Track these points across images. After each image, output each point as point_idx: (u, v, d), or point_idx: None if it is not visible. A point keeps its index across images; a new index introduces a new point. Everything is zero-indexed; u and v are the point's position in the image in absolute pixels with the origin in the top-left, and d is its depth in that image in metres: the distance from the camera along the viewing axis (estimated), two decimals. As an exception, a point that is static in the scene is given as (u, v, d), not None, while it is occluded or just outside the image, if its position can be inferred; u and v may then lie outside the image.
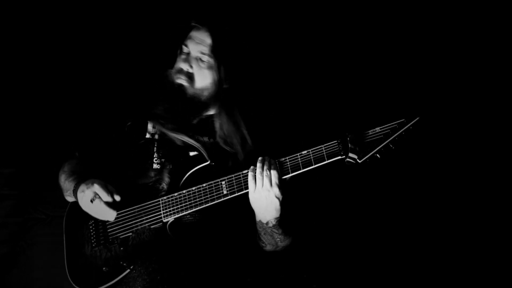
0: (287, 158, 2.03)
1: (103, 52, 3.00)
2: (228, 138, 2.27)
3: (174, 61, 2.33)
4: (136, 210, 2.19)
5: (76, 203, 2.23)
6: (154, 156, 2.27)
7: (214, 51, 2.22)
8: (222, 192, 2.06)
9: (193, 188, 2.12)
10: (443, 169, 2.86)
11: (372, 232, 2.86)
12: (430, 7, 2.90)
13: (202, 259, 2.14)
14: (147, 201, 2.19)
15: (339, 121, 2.78)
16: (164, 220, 2.14)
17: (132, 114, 2.39)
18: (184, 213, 2.11)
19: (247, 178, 2.03)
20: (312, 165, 1.97)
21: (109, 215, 2.12)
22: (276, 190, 1.96)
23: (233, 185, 2.06)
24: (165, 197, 2.15)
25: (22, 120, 2.95)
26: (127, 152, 2.34)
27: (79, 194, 2.16)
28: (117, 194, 2.14)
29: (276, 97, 2.83)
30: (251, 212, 2.23)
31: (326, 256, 2.80)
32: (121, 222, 2.20)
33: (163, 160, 2.25)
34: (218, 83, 2.26)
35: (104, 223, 2.24)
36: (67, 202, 2.41)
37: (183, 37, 2.28)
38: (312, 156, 1.98)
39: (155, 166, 2.26)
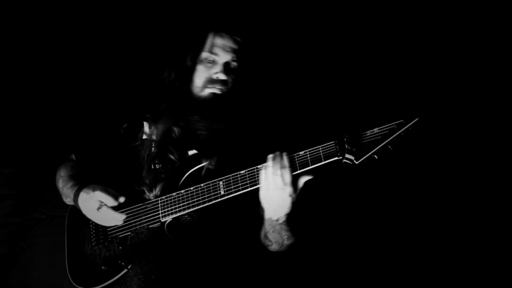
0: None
1: (104, 54, 3.01)
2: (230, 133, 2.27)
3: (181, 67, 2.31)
4: (135, 210, 2.20)
5: None
6: (151, 157, 2.27)
7: (239, 56, 2.24)
8: (220, 193, 2.06)
9: (191, 188, 2.12)
10: (442, 171, 2.85)
11: (369, 234, 2.86)
12: (428, 7, 2.90)
13: (200, 258, 2.14)
14: (146, 201, 2.19)
15: (337, 122, 2.77)
16: (162, 220, 2.14)
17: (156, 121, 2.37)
18: (182, 213, 2.11)
19: (245, 177, 2.03)
20: (309, 166, 1.96)
21: (117, 219, 2.14)
22: (289, 188, 1.95)
23: (230, 185, 2.05)
24: (163, 197, 2.16)
25: (22, 120, 2.96)
26: (124, 153, 2.34)
27: (82, 204, 2.17)
28: (120, 196, 2.15)
29: (274, 97, 2.83)
30: (250, 212, 2.24)
31: (323, 256, 2.81)
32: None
33: (156, 161, 2.25)
34: (237, 85, 2.27)
35: None
36: (67, 204, 2.41)
37: (199, 43, 2.25)
38: (309, 156, 1.97)
39: (152, 167, 2.25)
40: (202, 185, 2.10)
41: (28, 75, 2.98)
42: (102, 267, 2.19)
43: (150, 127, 2.34)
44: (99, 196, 2.10)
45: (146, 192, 2.19)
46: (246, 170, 2.05)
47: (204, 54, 2.23)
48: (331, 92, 2.95)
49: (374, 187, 2.85)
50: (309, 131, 2.70)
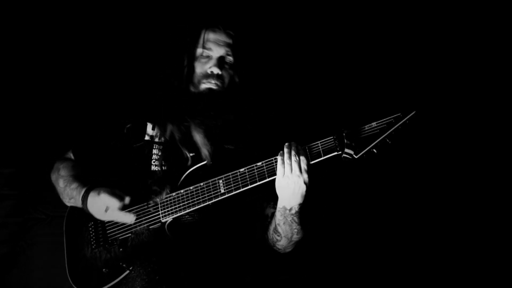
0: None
1: (104, 55, 3.00)
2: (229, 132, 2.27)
3: (179, 64, 2.31)
4: (136, 210, 2.19)
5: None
6: (153, 158, 2.27)
7: (234, 50, 2.24)
8: (220, 191, 2.06)
9: (191, 188, 2.12)
10: (440, 164, 2.86)
11: (369, 229, 2.87)
12: (425, 3, 2.89)
13: (201, 258, 2.14)
14: (146, 202, 2.19)
15: (335, 117, 2.78)
16: (163, 220, 2.15)
17: (153, 118, 2.38)
18: (182, 212, 2.12)
19: (245, 175, 2.04)
20: (310, 161, 1.97)
21: (127, 218, 2.12)
22: (305, 176, 1.96)
23: (230, 184, 2.05)
24: (163, 198, 2.16)
25: (22, 120, 2.95)
26: (126, 153, 2.34)
27: (91, 208, 2.16)
28: (126, 195, 2.14)
29: (273, 94, 2.83)
30: (250, 212, 2.25)
31: (324, 254, 2.81)
32: (120, 223, 2.21)
33: (162, 162, 2.24)
34: (235, 81, 2.28)
35: (103, 224, 2.24)
36: (67, 204, 2.40)
37: (192, 41, 2.27)
38: (309, 152, 1.98)
39: (153, 168, 2.26)
40: (202, 184, 2.11)
41: (28, 76, 2.97)
42: (104, 270, 2.17)
43: (153, 128, 2.33)
44: (105, 198, 2.10)
45: (154, 196, 2.18)
46: (245, 168, 2.05)
47: (199, 51, 2.25)
48: (329, 87, 2.95)
49: (373, 181, 2.85)
50: (307, 127, 2.70)
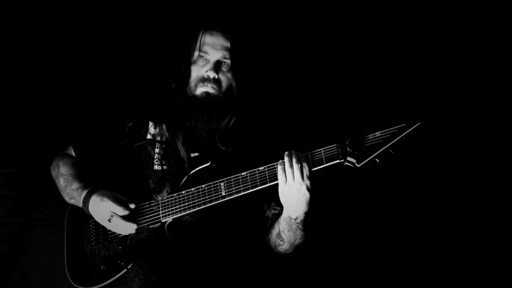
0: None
1: (107, 52, 3.01)
2: (229, 135, 2.27)
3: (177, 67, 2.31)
4: (136, 209, 2.19)
5: None
6: (155, 157, 2.28)
7: (232, 54, 2.22)
8: (220, 194, 2.06)
9: (192, 189, 2.12)
10: (443, 176, 2.85)
11: (370, 237, 2.86)
12: (432, 11, 2.90)
13: (200, 259, 2.14)
14: (147, 201, 2.19)
15: (339, 125, 2.77)
16: (163, 220, 2.15)
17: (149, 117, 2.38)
18: (182, 213, 2.12)
19: (246, 179, 2.03)
20: (311, 168, 1.96)
21: (129, 228, 2.12)
22: (308, 182, 1.94)
23: (232, 187, 2.05)
24: (164, 198, 2.16)
25: (22, 120, 2.95)
26: (127, 151, 2.34)
27: (93, 212, 2.16)
28: (130, 202, 2.15)
29: (276, 99, 2.82)
30: (251, 214, 2.25)
31: (325, 259, 2.80)
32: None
33: (163, 161, 2.25)
34: (232, 85, 2.26)
35: None
36: (67, 202, 2.40)
37: (190, 44, 2.26)
38: (311, 159, 1.97)
39: (156, 167, 2.26)
40: (203, 186, 2.10)
41: (29, 76, 2.98)
42: (102, 267, 2.18)
43: (155, 127, 2.33)
44: (109, 206, 2.09)
45: (155, 195, 2.18)
46: (247, 171, 2.05)
47: (195, 54, 2.24)
48: (333, 95, 2.94)
49: (375, 191, 2.84)
50: (310, 134, 2.70)
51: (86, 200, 2.16)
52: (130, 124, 2.34)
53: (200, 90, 2.21)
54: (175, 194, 2.15)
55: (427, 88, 2.86)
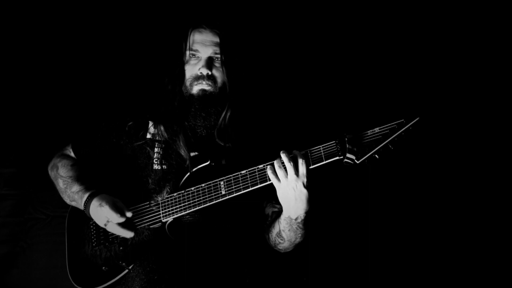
0: None
1: (105, 51, 3.00)
2: (227, 131, 2.26)
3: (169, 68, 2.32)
4: (137, 210, 2.20)
5: None
6: (155, 157, 2.27)
7: (222, 48, 2.21)
8: (221, 193, 2.06)
9: (192, 189, 2.12)
10: (443, 171, 2.85)
11: (370, 233, 2.86)
12: (430, 6, 2.90)
13: (201, 258, 2.14)
14: (147, 201, 2.19)
15: (338, 121, 2.77)
16: (163, 220, 2.15)
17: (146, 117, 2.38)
18: (183, 213, 2.12)
19: (246, 177, 2.03)
20: (310, 166, 1.96)
21: (125, 234, 2.13)
22: (304, 179, 1.93)
23: (231, 186, 2.05)
24: (164, 198, 2.16)
25: (22, 120, 2.95)
26: (127, 151, 2.34)
27: (94, 218, 2.17)
28: (128, 210, 2.15)
29: (274, 95, 2.83)
30: (251, 213, 2.25)
31: (325, 257, 2.81)
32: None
33: (162, 161, 2.25)
34: (228, 80, 2.25)
35: None
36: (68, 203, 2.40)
37: (181, 44, 2.26)
38: (311, 156, 1.97)
39: (155, 166, 2.25)
40: (203, 185, 2.10)
41: (28, 76, 2.97)
42: (103, 268, 2.19)
43: (155, 127, 2.33)
44: (106, 212, 2.10)
45: (155, 195, 2.18)
46: (247, 170, 2.04)
47: (187, 53, 2.24)
48: (332, 91, 2.94)
49: (374, 187, 2.84)
50: (309, 131, 2.70)
51: (87, 204, 2.17)
52: (130, 123, 2.34)
53: (196, 88, 2.21)
54: (175, 194, 2.15)
55: (425, 83, 2.86)
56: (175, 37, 2.29)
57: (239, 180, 2.04)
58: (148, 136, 2.32)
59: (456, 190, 2.85)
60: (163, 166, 2.23)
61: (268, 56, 2.90)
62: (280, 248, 2.20)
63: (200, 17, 2.28)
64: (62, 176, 2.33)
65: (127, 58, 2.98)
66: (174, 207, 2.13)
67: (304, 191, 1.94)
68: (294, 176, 1.92)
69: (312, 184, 1.96)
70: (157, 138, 2.30)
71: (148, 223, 2.17)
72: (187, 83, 2.24)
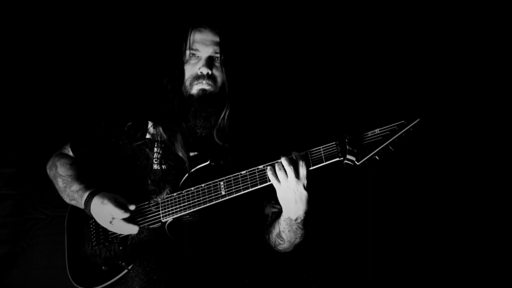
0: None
1: (105, 50, 3.00)
2: (226, 131, 2.26)
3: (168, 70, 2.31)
4: (136, 210, 2.19)
5: None
6: (154, 157, 2.27)
7: (223, 48, 2.21)
8: (220, 193, 2.06)
9: (192, 189, 2.12)
10: (443, 172, 2.85)
11: (370, 234, 2.86)
12: (431, 7, 2.89)
13: (201, 259, 2.14)
14: (146, 201, 2.19)
15: (338, 122, 2.77)
16: (163, 220, 2.15)
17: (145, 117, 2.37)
18: (183, 213, 2.12)
19: (246, 178, 2.03)
20: (310, 167, 1.96)
21: (131, 230, 2.13)
22: (305, 182, 1.93)
23: (231, 186, 2.05)
24: (164, 198, 2.16)
25: (22, 120, 2.95)
26: (127, 151, 2.33)
27: (95, 215, 2.17)
28: (130, 204, 2.15)
29: (274, 95, 2.83)
30: (251, 213, 2.25)
31: (325, 257, 2.81)
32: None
33: (162, 161, 2.24)
34: (229, 79, 2.24)
35: None
36: (67, 203, 2.40)
37: (181, 44, 2.26)
38: (311, 157, 1.97)
39: (155, 166, 2.25)
40: (203, 185, 2.10)
41: (28, 76, 2.97)
42: (103, 267, 2.19)
43: (154, 127, 2.32)
44: (110, 209, 2.10)
45: (155, 195, 2.18)
46: (246, 170, 2.04)
47: (187, 53, 2.23)
48: (332, 92, 2.94)
49: (375, 188, 2.84)
50: (309, 131, 2.70)
51: (87, 203, 2.17)
52: (129, 123, 2.34)
53: (196, 88, 2.21)
54: (175, 194, 2.15)
55: (426, 84, 2.86)
56: (174, 37, 2.29)
57: (239, 181, 2.04)
58: (148, 136, 2.32)
59: (456, 191, 2.85)
60: (163, 166, 2.23)
61: (268, 56, 2.90)
62: (280, 248, 2.20)
63: (200, 16, 2.28)
64: (61, 175, 2.32)
65: (126, 57, 2.98)
66: (173, 207, 2.13)
67: (304, 192, 1.94)
68: (295, 178, 1.92)
69: (312, 185, 1.96)
70: (157, 137, 2.29)
71: (147, 223, 2.17)
72: (187, 83, 2.23)
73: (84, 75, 3.00)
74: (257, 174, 2.02)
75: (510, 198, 2.82)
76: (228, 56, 2.22)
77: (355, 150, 1.90)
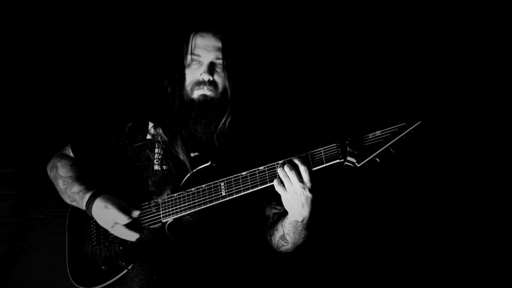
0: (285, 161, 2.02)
1: (105, 53, 3.00)
2: (227, 135, 2.25)
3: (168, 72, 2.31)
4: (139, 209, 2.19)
5: None
6: (155, 158, 2.27)
7: (225, 53, 2.20)
8: (221, 194, 2.06)
9: (192, 189, 2.12)
10: (444, 174, 2.85)
11: (371, 236, 2.86)
12: (432, 9, 2.90)
13: (201, 259, 2.14)
14: (147, 202, 2.20)
15: (339, 124, 2.77)
16: (163, 221, 2.15)
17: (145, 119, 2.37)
18: (183, 213, 2.12)
19: (246, 179, 2.03)
20: (311, 168, 1.95)
21: (131, 237, 2.13)
22: (309, 185, 1.93)
23: (232, 187, 2.05)
24: (165, 199, 2.16)
25: (22, 120, 2.95)
26: (127, 151, 2.33)
27: (97, 217, 2.17)
28: (134, 209, 2.16)
29: (275, 98, 2.82)
30: (251, 213, 2.25)
31: (325, 258, 2.81)
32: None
33: (163, 161, 2.24)
34: (230, 85, 2.23)
35: None
36: (68, 204, 2.39)
37: (182, 48, 2.25)
38: (311, 159, 1.97)
39: (156, 167, 2.25)
40: (203, 186, 2.10)
41: (28, 76, 2.97)
42: (103, 267, 2.19)
43: (155, 127, 2.31)
44: (113, 214, 2.10)
45: (155, 196, 2.18)
46: (247, 171, 2.04)
47: (188, 57, 2.21)
48: (333, 94, 2.94)
49: (376, 190, 2.84)
50: (310, 133, 2.70)
51: (89, 204, 2.17)
52: (130, 124, 2.33)
53: (197, 93, 2.19)
54: (175, 194, 2.15)
55: (427, 86, 2.86)
56: (176, 40, 2.27)
57: (239, 182, 2.04)
58: (148, 137, 2.31)
59: (457, 193, 2.85)
60: (164, 167, 2.22)
61: (268, 56, 2.90)
62: (283, 250, 2.21)
63: (202, 21, 2.27)
64: (61, 176, 2.32)
65: (127, 59, 2.98)
66: (174, 208, 2.13)
67: (310, 195, 1.95)
68: (299, 183, 1.92)
69: (315, 185, 1.96)
70: (158, 138, 2.29)
71: (148, 223, 2.17)
72: (188, 88, 2.22)
73: (84, 75, 3.00)
74: (257, 175, 2.02)
75: (510, 200, 2.82)
76: (230, 61, 2.20)
77: (356, 152, 1.90)
